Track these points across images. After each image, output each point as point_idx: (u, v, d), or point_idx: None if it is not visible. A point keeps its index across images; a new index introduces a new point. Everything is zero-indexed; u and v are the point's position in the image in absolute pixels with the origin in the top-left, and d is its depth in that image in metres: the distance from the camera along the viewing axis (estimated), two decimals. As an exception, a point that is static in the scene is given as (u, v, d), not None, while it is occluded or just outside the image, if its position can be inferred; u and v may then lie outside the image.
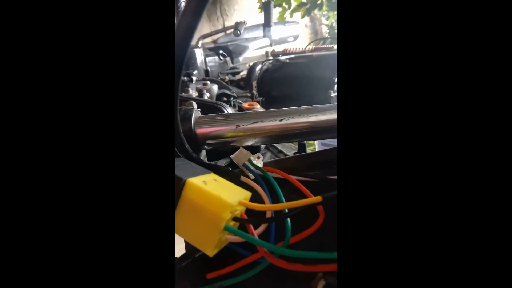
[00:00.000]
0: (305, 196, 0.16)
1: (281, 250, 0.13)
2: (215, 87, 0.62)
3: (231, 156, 0.18)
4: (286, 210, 0.14)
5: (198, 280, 0.17)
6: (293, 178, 0.17)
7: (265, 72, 0.83)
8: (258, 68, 0.84)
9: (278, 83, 0.81)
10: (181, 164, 0.15)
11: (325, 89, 0.71)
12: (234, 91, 0.68)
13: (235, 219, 0.14)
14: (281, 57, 0.95)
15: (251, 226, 0.14)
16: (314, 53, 0.94)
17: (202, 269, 0.17)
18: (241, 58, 1.02)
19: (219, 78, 0.82)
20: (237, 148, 0.19)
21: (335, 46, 1.14)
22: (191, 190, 0.13)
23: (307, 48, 1.11)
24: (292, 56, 0.96)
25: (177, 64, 0.16)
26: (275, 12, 1.68)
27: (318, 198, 0.13)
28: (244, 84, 0.83)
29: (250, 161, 0.18)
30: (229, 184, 0.15)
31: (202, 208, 0.13)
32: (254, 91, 0.76)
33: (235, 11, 1.89)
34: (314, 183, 0.18)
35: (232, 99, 0.58)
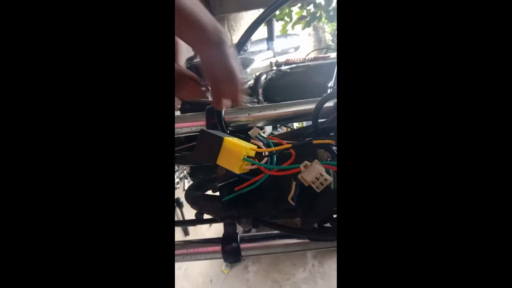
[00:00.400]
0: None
1: (272, 167, 0.26)
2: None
3: (248, 132, 0.31)
4: (274, 152, 0.28)
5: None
6: (282, 141, 0.30)
7: (269, 80, 0.95)
8: (263, 77, 0.97)
9: (281, 90, 0.92)
10: (219, 132, 0.29)
11: (320, 94, 0.84)
12: (243, 97, 0.81)
13: (248, 157, 0.27)
14: (283, 67, 1.09)
15: (256, 160, 0.27)
16: (312, 63, 1.07)
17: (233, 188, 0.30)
18: (248, 70, 1.17)
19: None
20: (251, 127, 0.32)
21: (332, 55, 1.27)
22: (226, 142, 0.27)
23: (306, 58, 1.24)
24: (293, 65, 1.10)
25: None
26: (278, 25, 1.84)
27: (289, 145, 0.26)
28: (251, 91, 0.96)
29: (259, 134, 0.31)
30: (244, 142, 0.29)
31: (232, 150, 0.26)
32: (261, 97, 0.90)
33: (241, 26, 2.05)
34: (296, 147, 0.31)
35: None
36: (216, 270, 1.91)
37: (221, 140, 0.25)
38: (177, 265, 1.59)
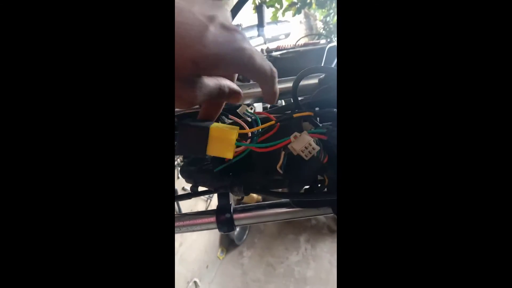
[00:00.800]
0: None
1: (264, 145, 0.28)
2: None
3: (237, 110, 0.33)
4: (260, 130, 0.30)
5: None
6: (270, 115, 0.33)
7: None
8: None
9: (271, 75, 0.94)
10: (199, 121, 0.30)
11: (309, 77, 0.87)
12: (235, 83, 0.83)
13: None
14: (274, 53, 1.10)
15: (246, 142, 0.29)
16: (301, 48, 1.09)
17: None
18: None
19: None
20: (240, 105, 0.34)
21: (321, 41, 1.29)
22: (212, 131, 0.25)
23: (297, 44, 1.26)
24: (284, 51, 1.11)
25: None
26: (269, 12, 1.83)
27: (272, 122, 0.29)
28: (242, 77, 0.98)
29: (247, 110, 0.33)
30: (227, 125, 0.30)
31: (221, 137, 0.27)
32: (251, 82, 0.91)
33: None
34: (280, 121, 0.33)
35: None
36: (212, 256, 1.96)
37: (207, 130, 0.24)
38: (173, 250, 1.62)
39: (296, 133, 0.26)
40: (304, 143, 0.25)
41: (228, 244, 2.11)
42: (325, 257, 1.97)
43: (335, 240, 2.05)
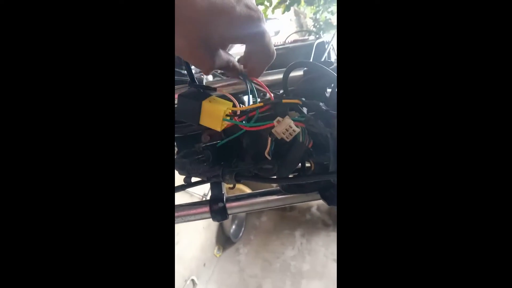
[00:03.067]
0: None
1: (248, 124, 0.30)
2: (210, 77, 0.79)
3: (239, 75, 0.34)
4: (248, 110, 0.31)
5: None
6: (262, 83, 0.34)
7: (250, 63, 0.98)
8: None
9: (262, 71, 0.96)
10: (197, 92, 0.32)
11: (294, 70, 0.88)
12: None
13: (227, 115, 0.30)
14: (264, 50, 1.12)
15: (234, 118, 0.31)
16: (291, 45, 1.11)
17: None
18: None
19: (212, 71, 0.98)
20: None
21: (310, 38, 1.30)
22: (204, 105, 0.29)
23: (286, 41, 1.27)
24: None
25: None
26: (258, 10, 1.85)
27: (261, 104, 0.30)
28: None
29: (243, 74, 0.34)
30: (222, 100, 0.32)
31: (212, 111, 0.29)
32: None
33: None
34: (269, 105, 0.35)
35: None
36: (208, 254, 1.97)
37: (199, 104, 0.28)
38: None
39: (279, 118, 0.28)
40: (285, 126, 0.27)
41: (224, 242, 2.12)
42: (320, 250, 2.00)
43: (330, 234, 2.08)
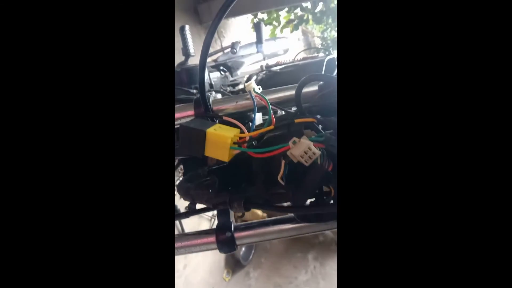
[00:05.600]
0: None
1: (260, 150, 0.26)
2: (219, 95, 0.77)
3: (245, 85, 0.32)
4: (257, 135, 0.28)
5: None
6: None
7: (260, 81, 0.97)
8: (253, 78, 0.98)
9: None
10: (200, 123, 0.29)
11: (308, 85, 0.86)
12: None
13: (234, 143, 0.27)
14: (273, 68, 1.11)
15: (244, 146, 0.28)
16: (300, 62, 1.09)
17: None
18: (239, 72, 1.18)
19: (221, 90, 0.97)
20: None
21: (320, 55, 1.29)
22: (209, 134, 0.27)
23: (296, 58, 1.26)
24: (283, 66, 1.12)
25: (200, 80, 0.30)
26: (267, 30, 1.87)
27: (271, 127, 0.27)
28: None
29: (254, 89, 0.31)
30: (227, 127, 0.29)
31: (217, 141, 0.26)
32: (252, 97, 0.91)
33: (230, 32, 2.08)
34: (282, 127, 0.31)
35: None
36: (217, 278, 1.89)
37: (204, 133, 0.26)
38: (177, 273, 1.57)
39: (295, 138, 0.24)
40: (303, 148, 0.23)
41: (234, 265, 2.04)
42: (335, 275, 1.89)
43: (345, 257, 1.97)
